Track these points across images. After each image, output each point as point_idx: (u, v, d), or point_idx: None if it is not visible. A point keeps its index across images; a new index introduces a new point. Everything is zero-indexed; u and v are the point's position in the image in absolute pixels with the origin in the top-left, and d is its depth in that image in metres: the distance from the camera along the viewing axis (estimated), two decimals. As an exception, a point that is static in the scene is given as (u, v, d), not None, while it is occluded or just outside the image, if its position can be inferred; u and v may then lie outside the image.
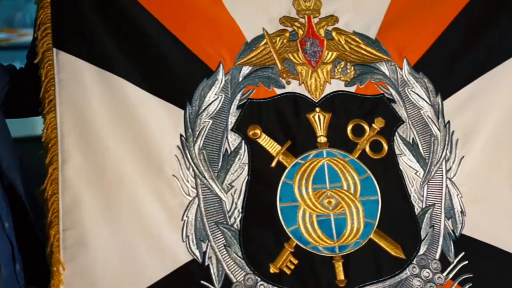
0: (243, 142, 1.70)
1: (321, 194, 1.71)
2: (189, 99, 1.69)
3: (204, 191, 1.66)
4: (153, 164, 1.65)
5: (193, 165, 1.67)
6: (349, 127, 1.76)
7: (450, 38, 1.85)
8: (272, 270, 1.65)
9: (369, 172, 1.74)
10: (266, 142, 1.71)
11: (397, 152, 1.78)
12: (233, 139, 1.70)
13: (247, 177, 1.69)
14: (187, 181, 1.66)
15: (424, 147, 1.80)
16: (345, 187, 1.72)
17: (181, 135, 1.68)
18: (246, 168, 1.69)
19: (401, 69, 1.83)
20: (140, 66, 1.68)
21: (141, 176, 1.64)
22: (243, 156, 1.70)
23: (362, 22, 1.83)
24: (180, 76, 1.70)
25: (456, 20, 1.85)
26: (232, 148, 1.70)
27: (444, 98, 1.83)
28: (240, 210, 1.67)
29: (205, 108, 1.70)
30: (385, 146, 1.77)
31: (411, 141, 1.79)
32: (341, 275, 1.68)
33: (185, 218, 1.64)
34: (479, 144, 1.81)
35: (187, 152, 1.67)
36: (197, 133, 1.68)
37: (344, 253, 1.69)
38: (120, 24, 1.69)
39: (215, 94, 1.71)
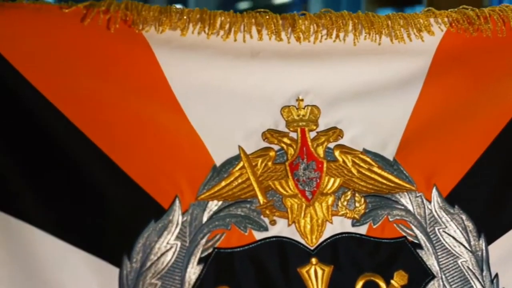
0: (207, 317, 1.20)
1: None
2: (128, 253, 1.18)
3: None
4: None
5: None
6: (358, 286, 1.26)
7: (493, 161, 1.36)
8: None
9: None
10: (239, 311, 1.21)
11: (426, 322, 1.28)
12: (190, 309, 1.19)
13: None
14: None
15: (464, 313, 1.29)
16: None
17: (112, 310, 1.17)
18: None
19: (430, 202, 1.33)
20: (50, 205, 1.18)
21: None
22: (205, 339, 1.19)
23: (375, 137, 1.35)
24: (115, 219, 1.20)
25: (501, 136, 1.37)
26: (190, 322, 1.19)
27: (489, 242, 1.35)
28: None
29: (151, 264, 1.19)
30: (410, 314, 1.26)
31: (445, 304, 1.28)
32: None
33: None
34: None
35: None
36: (139, 302, 1.17)
37: None
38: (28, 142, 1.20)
39: (167, 244, 1.21)
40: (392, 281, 1.28)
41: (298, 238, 1.27)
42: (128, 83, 1.27)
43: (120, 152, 1.22)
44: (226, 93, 1.31)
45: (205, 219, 1.24)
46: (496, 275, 1.32)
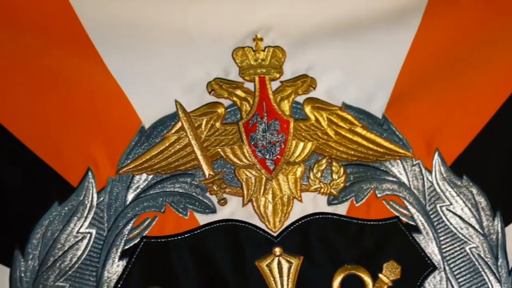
0: (130, 324, 0.90)
1: None
2: (21, 247, 0.89)
3: None
4: None
5: None
6: (336, 282, 0.98)
7: (510, 122, 1.06)
8: None
9: None
10: (176, 320, 0.92)
11: (425, 326, 1.01)
12: (109, 320, 0.90)
13: None
14: None
15: (474, 314, 1.01)
16: None
17: (1, 319, 0.88)
18: None
19: (430, 171, 1.04)
20: None
21: None
22: None
23: (358, 88, 1.04)
24: (3, 202, 0.89)
25: None
26: (109, 338, 0.89)
27: (506, 222, 1.05)
28: None
29: (55, 261, 0.89)
30: (403, 316, 0.97)
31: (449, 304, 1.00)
32: None
33: None
34: None
35: None
36: (37, 311, 0.88)
37: None
38: None
39: (77, 233, 0.91)
40: (380, 275, 0.98)
41: (256, 221, 0.98)
42: (31, 27, 0.96)
43: (12, 116, 0.92)
44: (159, 32, 0.99)
45: (129, 199, 0.94)
46: (516, 265, 1.03)
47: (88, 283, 0.91)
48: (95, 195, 0.93)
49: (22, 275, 0.89)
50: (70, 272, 0.90)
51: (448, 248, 1.03)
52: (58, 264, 0.90)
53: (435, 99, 1.06)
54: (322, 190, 1.01)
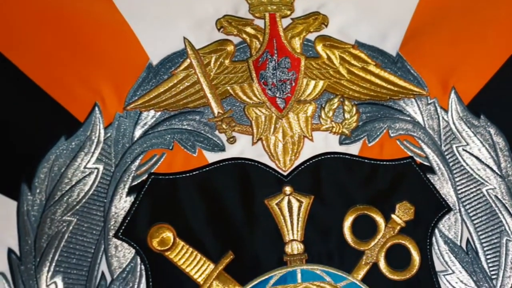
0: (137, 259, 0.90)
1: None
2: (28, 181, 0.89)
3: None
4: None
5: (34, 310, 0.87)
6: (347, 222, 0.96)
7: None
8: None
9: (384, 307, 0.93)
10: (184, 256, 0.91)
11: (437, 267, 0.98)
12: (118, 255, 0.90)
13: (143, 329, 0.89)
14: None
15: (489, 256, 0.99)
16: (339, 338, 0.91)
17: (10, 252, 0.87)
18: (143, 311, 0.89)
19: (446, 111, 1.01)
20: None
21: None
22: (137, 287, 0.89)
23: (372, 25, 1.01)
24: (8, 137, 0.89)
25: None
26: (116, 273, 0.89)
27: (526, 163, 1.03)
28: None
29: (62, 196, 0.89)
30: (416, 257, 0.96)
31: (464, 245, 0.99)
32: None
33: None
34: None
35: (21, 284, 0.87)
36: (45, 245, 0.88)
37: None
38: None
39: (85, 168, 0.91)
40: (393, 216, 0.96)
41: (266, 160, 0.96)
42: None
43: (19, 51, 0.91)
44: None
45: (137, 135, 0.93)
46: (534, 207, 1.00)
47: (96, 218, 0.90)
48: (102, 131, 0.92)
49: (30, 208, 0.89)
50: (77, 207, 0.90)
51: (463, 189, 1.00)
52: (65, 198, 0.90)
53: (452, 36, 1.02)
54: (333, 130, 0.99)
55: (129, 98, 0.94)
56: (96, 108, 0.92)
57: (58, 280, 0.88)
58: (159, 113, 0.95)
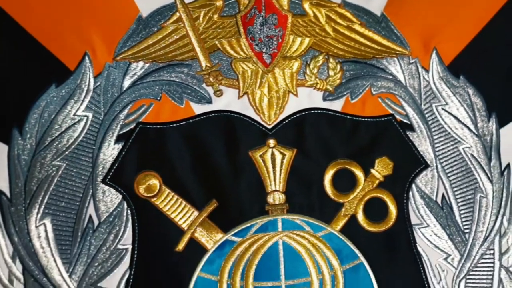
0: (124, 204, 0.94)
1: (270, 298, 0.94)
2: (19, 126, 0.91)
3: (44, 298, 0.90)
4: None
5: (23, 250, 0.90)
6: (328, 175, 0.99)
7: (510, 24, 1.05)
8: None
9: (361, 257, 0.97)
10: (169, 203, 0.95)
11: (413, 220, 1.02)
12: (105, 200, 0.94)
13: (128, 271, 0.92)
14: (9, 281, 0.89)
15: (463, 211, 1.03)
16: (316, 285, 0.95)
17: (1, 193, 0.90)
18: (128, 254, 0.93)
19: (427, 70, 1.04)
20: None
21: None
22: (123, 231, 0.94)
23: (357, -16, 1.03)
24: (2, 83, 0.91)
25: None
26: (103, 217, 0.93)
27: (501, 124, 1.06)
28: (114, 334, 0.91)
29: (52, 141, 0.92)
30: (393, 210, 1.00)
31: (439, 200, 1.02)
32: None
33: None
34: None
35: (11, 225, 0.90)
36: (35, 188, 0.91)
37: None
38: None
39: (74, 115, 0.93)
40: (372, 170, 1.00)
41: (251, 113, 0.99)
42: None
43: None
44: None
45: (126, 85, 0.96)
46: (508, 165, 1.03)
47: (84, 164, 0.93)
48: (92, 80, 0.95)
49: (20, 152, 0.91)
50: (66, 153, 0.92)
51: (441, 147, 1.04)
52: (55, 144, 0.92)
53: (436, -3, 1.05)
54: (318, 86, 1.01)
55: (119, 48, 0.96)
56: (86, 58, 0.94)
57: (47, 221, 0.91)
58: (148, 64, 0.97)
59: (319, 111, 1.01)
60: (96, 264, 0.91)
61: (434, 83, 1.04)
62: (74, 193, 0.92)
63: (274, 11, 1.00)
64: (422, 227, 1.01)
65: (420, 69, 1.03)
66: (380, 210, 1.00)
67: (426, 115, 1.04)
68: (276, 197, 0.98)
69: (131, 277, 0.92)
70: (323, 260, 0.97)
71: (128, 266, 0.92)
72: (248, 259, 0.94)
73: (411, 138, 1.03)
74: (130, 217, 0.93)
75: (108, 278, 0.91)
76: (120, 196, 0.93)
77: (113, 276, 0.92)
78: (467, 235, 1.02)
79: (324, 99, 1.01)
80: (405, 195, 1.01)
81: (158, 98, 0.97)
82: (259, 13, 1.00)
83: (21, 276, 0.90)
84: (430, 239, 1.01)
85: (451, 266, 1.01)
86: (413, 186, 1.02)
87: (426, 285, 0.99)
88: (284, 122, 1.00)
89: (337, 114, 1.01)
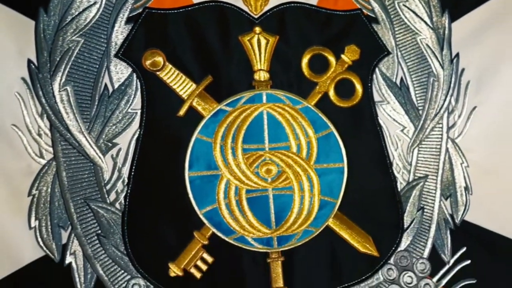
0: (134, 75, 1.11)
1: (255, 158, 1.13)
2: (45, 5, 1.07)
3: (67, 151, 1.08)
4: None
5: (49, 110, 1.07)
6: (305, 59, 1.17)
7: None
8: (173, 272, 1.09)
9: (331, 127, 1.15)
10: (172, 76, 1.12)
11: (376, 98, 1.20)
12: (118, 71, 1.11)
13: (138, 130, 1.10)
14: (39, 135, 1.07)
15: (418, 91, 1.22)
16: (294, 149, 1.14)
17: (30, 62, 1.07)
18: (138, 116, 1.10)
19: (391, -30, 1.21)
20: None
21: None
22: (133, 98, 1.11)
23: None
24: None
25: None
26: (116, 85, 1.10)
27: (453, 19, 1.23)
28: (126, 182, 1.09)
29: (72, 19, 1.08)
30: (359, 89, 1.18)
31: (398, 81, 1.21)
32: (279, 282, 1.12)
33: (34, 192, 1.06)
34: (499, 92, 1.22)
35: (39, 88, 1.07)
36: (58, 58, 1.07)
37: (286, 248, 1.13)
38: None
39: (90, -2, 1.10)
40: (342, 56, 1.18)
41: (240, 4, 1.16)
42: None
43: None
44: None
45: (135, -27, 1.12)
46: (457, 54, 1.22)
47: (100, 40, 1.09)
48: (104, -32, 1.11)
49: (45, 28, 1.07)
50: (85, 30, 1.09)
51: (401, 38, 1.21)
52: (75, 22, 1.08)
53: None
54: (298, -20, 1.18)
55: None
56: None
57: (69, 87, 1.08)
58: (152, -41, 1.13)
59: (298, 4, 1.17)
60: (111, 124, 1.09)
61: (397, -18, 1.22)
62: (91, 65, 1.09)
63: None
64: (383, 104, 1.20)
65: (384, -31, 1.21)
66: (348, 89, 1.18)
67: (389, 10, 1.21)
68: (261, 75, 1.15)
69: (141, 135, 1.10)
70: (300, 129, 1.15)
71: (138, 127, 1.10)
72: (238, 125, 1.13)
73: (375, 29, 1.20)
74: (139, 86, 1.11)
75: (121, 136, 1.10)
76: (130, 69, 1.10)
77: (125, 134, 1.10)
78: (420, 111, 1.21)
79: (302, -7, 1.19)
80: (369, 77, 1.19)
81: (162, -14, 1.13)
82: None
83: (48, 132, 1.07)
84: (390, 114, 1.20)
85: (406, 137, 1.21)
86: (377, 69, 1.20)
87: (385, 151, 1.19)
88: (268, 13, 1.16)
89: (313, 7, 1.18)
